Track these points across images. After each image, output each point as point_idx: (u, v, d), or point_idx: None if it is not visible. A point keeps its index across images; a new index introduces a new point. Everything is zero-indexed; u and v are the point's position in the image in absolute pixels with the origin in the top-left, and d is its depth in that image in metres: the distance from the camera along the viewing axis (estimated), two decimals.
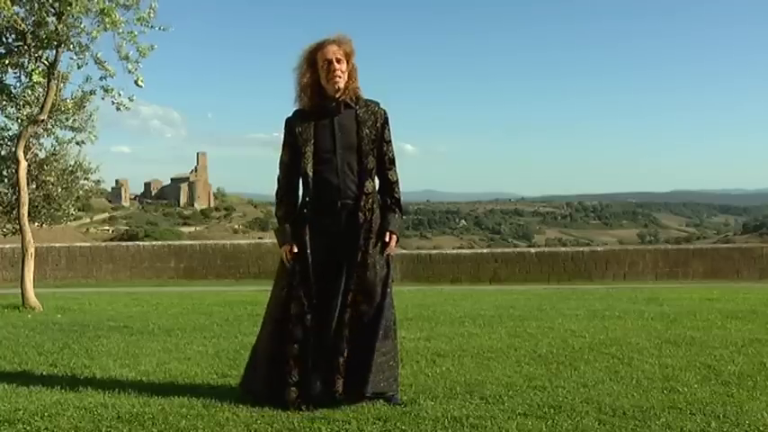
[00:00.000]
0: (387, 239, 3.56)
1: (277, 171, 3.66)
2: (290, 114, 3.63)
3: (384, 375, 3.49)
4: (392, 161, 3.67)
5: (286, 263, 3.56)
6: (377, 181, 3.65)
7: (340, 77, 3.51)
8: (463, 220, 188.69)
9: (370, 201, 3.56)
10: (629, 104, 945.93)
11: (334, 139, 3.53)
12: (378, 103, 3.65)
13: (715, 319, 6.99)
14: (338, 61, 3.52)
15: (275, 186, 3.66)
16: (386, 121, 3.63)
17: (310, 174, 3.51)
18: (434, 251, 20.76)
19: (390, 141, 3.65)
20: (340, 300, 3.47)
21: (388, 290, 3.55)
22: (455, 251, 24.58)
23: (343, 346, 3.45)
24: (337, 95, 3.55)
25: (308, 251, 3.51)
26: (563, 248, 23.75)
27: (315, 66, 3.55)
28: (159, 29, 8.10)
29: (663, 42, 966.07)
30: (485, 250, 22.89)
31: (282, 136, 3.63)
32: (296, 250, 3.52)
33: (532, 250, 20.95)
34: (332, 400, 3.43)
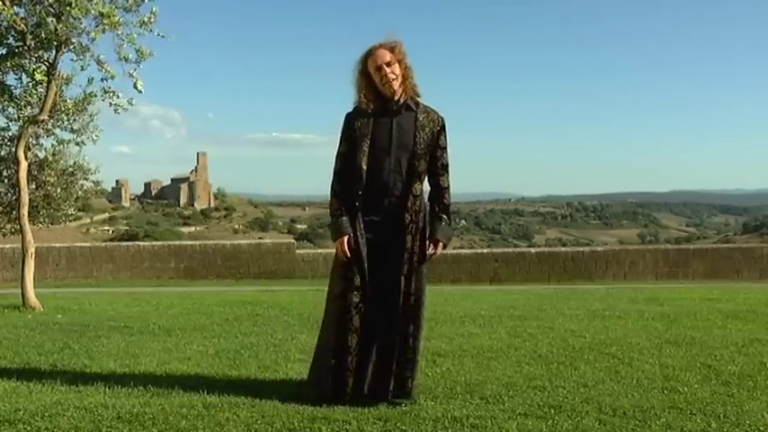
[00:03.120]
0: (433, 248, 3.68)
1: (333, 164, 3.71)
2: (351, 110, 3.70)
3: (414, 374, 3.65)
4: (445, 167, 3.74)
5: (341, 255, 3.61)
6: (426, 185, 3.74)
7: (394, 79, 3.58)
8: (463, 220, 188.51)
9: (418, 202, 3.65)
10: (629, 104, 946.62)
11: (390, 138, 3.61)
12: (436, 111, 3.73)
13: (715, 319, 6.99)
14: (388, 65, 3.57)
15: (331, 179, 3.69)
16: (442, 128, 3.72)
17: (364, 168, 3.58)
18: None
19: (445, 148, 3.74)
20: (383, 302, 3.57)
21: (423, 294, 3.67)
22: (455, 251, 24.45)
23: (394, 344, 3.57)
24: (396, 97, 3.62)
25: (362, 242, 3.58)
26: (563, 248, 23.70)
27: (368, 74, 3.63)
28: (159, 35, 8.09)
29: (663, 42, 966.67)
30: (485, 250, 22.86)
31: (341, 130, 3.69)
32: (351, 243, 3.58)
33: (532, 250, 20.92)
34: (381, 397, 3.52)
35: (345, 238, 3.57)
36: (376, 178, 3.59)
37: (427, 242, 3.67)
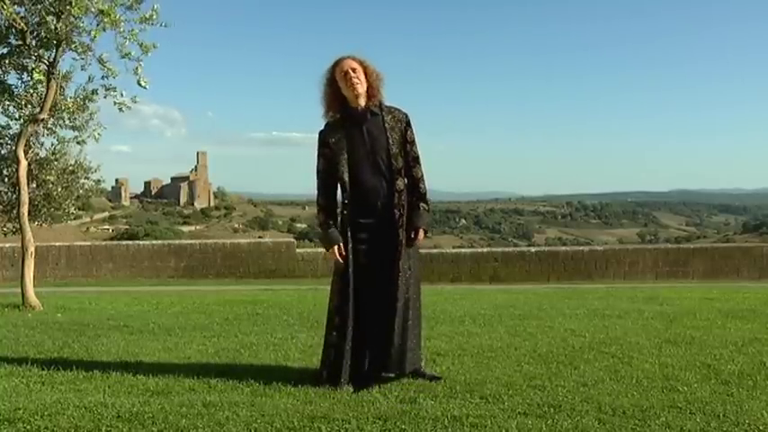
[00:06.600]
0: (413, 235, 3.88)
1: (314, 180, 3.97)
2: (322, 128, 3.96)
3: (415, 354, 3.92)
4: (416, 159, 3.98)
5: (336, 263, 3.90)
6: (406, 179, 3.96)
7: (357, 82, 3.84)
8: (463, 220, 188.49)
9: (403, 197, 3.89)
10: (629, 104, 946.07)
11: (365, 145, 3.85)
12: (399, 109, 3.97)
13: (715, 318, 6.99)
14: (354, 70, 3.86)
15: (315, 194, 3.98)
16: (407, 124, 3.97)
17: (347, 179, 3.84)
18: (434, 250, 20.60)
19: (414, 141, 3.97)
20: (383, 290, 3.82)
21: (418, 281, 3.91)
22: (455, 250, 24.45)
23: (386, 332, 3.80)
24: (361, 103, 3.87)
25: (350, 250, 3.85)
26: (563, 247, 23.67)
27: (335, 82, 3.88)
28: (162, 25, 8.04)
29: (662, 42, 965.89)
30: (485, 249, 22.81)
31: (317, 148, 3.95)
32: (342, 250, 3.87)
33: (532, 249, 20.90)
34: (365, 383, 3.77)
35: (336, 247, 3.86)
36: (362, 185, 3.85)
37: (405, 231, 3.88)
